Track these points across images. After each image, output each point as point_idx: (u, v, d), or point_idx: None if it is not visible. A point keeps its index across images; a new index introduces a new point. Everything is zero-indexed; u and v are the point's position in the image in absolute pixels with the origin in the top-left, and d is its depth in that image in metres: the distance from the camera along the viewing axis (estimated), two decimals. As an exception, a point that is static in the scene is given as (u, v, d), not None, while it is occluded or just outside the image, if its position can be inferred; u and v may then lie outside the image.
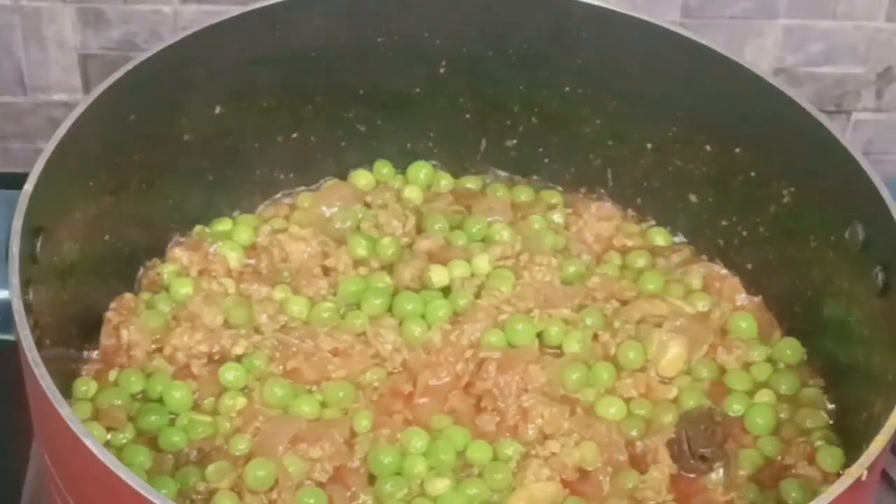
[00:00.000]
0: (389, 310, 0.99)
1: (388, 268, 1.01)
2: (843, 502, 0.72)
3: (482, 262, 1.02)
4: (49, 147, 0.85)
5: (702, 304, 1.01)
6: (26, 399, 0.80)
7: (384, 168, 1.09)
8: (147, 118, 0.94)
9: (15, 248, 0.80)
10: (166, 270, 0.99)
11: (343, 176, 1.08)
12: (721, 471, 0.91)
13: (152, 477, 0.87)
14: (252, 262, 1.02)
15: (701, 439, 0.90)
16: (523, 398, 0.92)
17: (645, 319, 0.99)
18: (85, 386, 0.92)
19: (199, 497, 0.87)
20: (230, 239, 1.03)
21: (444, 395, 0.94)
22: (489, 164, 1.10)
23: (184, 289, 0.98)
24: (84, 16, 1.15)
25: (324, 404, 0.93)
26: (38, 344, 0.76)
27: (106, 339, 0.94)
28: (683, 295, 1.02)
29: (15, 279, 0.78)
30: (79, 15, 1.15)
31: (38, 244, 0.83)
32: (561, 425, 0.92)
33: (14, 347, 0.76)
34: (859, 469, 0.74)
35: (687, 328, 0.98)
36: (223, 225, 1.05)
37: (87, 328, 0.94)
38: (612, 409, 0.94)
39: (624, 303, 1.00)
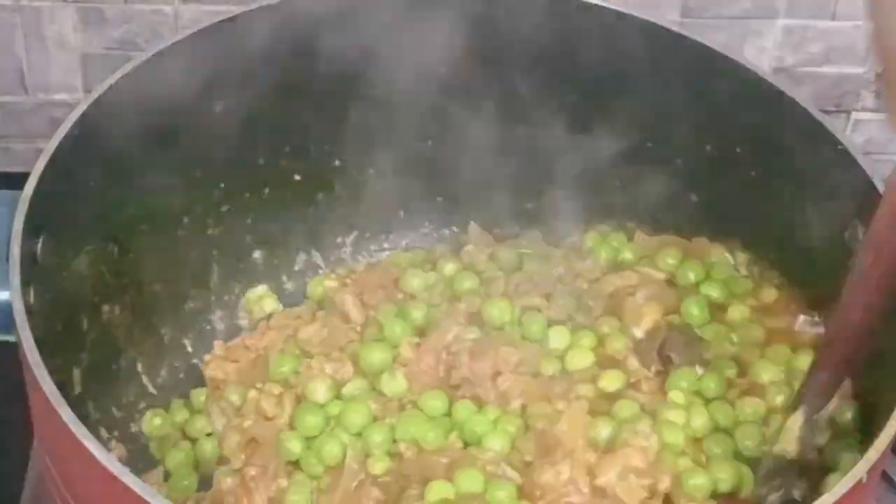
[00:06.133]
0: None
1: None
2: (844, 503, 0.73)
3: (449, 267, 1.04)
4: (50, 147, 0.85)
5: (671, 265, 1.02)
6: (27, 400, 0.80)
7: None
8: (148, 118, 0.94)
9: (16, 249, 0.80)
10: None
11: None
12: None
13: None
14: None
15: (677, 346, 0.92)
16: (499, 380, 0.93)
17: (616, 294, 1.00)
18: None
19: None
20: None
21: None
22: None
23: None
24: (85, 15, 1.15)
25: None
26: (39, 345, 0.76)
27: None
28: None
29: (16, 280, 0.78)
30: (80, 15, 1.15)
31: (39, 245, 0.83)
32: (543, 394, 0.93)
33: (14, 348, 0.76)
34: (859, 472, 0.74)
35: (659, 294, 0.99)
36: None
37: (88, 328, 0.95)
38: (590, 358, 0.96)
39: (593, 282, 1.02)
